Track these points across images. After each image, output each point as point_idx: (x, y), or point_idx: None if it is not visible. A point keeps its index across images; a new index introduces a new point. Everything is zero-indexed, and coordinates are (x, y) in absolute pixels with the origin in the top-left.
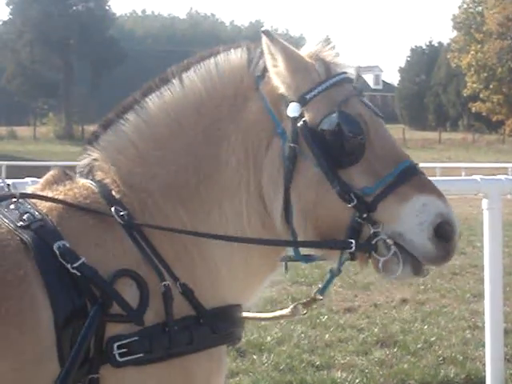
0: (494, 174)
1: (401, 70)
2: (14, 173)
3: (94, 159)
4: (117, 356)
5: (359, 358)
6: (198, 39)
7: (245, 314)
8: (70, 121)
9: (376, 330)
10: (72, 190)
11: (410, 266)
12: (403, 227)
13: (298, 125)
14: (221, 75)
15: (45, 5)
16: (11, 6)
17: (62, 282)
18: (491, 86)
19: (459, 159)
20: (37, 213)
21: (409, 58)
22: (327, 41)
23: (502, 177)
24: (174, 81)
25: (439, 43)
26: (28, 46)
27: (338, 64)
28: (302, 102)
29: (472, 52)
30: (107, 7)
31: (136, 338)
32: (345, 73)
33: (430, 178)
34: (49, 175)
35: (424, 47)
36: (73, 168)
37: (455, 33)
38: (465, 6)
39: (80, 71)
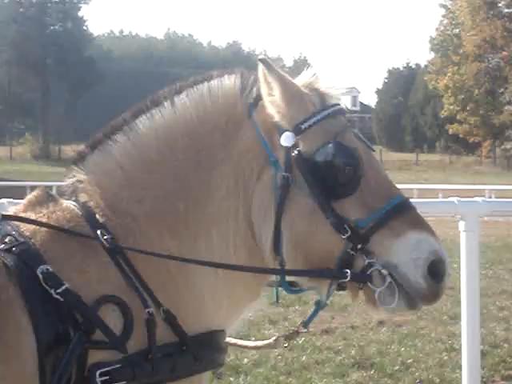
0: (471, 196)
1: (378, 92)
2: None
3: (79, 180)
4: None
5: (336, 381)
6: (175, 60)
7: (228, 339)
8: (46, 141)
9: (353, 351)
10: (55, 213)
11: (404, 299)
12: (398, 260)
13: (293, 154)
14: (213, 101)
15: (22, 25)
16: None
17: (45, 308)
18: (468, 108)
19: (436, 181)
20: (19, 236)
21: (386, 80)
22: (317, 73)
23: (479, 199)
24: (165, 103)
25: (416, 65)
26: (5, 65)
27: (332, 95)
28: (297, 131)
29: (449, 74)
30: (85, 27)
31: (119, 366)
32: (338, 104)
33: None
34: (32, 196)
35: (401, 69)
36: (50, 188)
37: (432, 54)
38: (442, 27)
39: (57, 91)
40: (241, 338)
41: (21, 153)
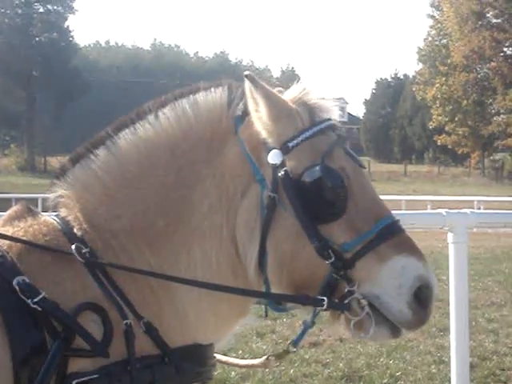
0: (459, 207)
1: (366, 103)
2: None
3: (60, 195)
4: None
5: None
6: (162, 70)
7: (218, 357)
8: (32, 152)
9: (341, 364)
10: (32, 227)
11: (386, 326)
12: (380, 289)
13: (279, 174)
14: (198, 115)
15: (7, 35)
16: None
17: (21, 320)
18: (456, 119)
19: (425, 192)
20: None
21: (374, 91)
22: (310, 86)
23: (468, 210)
24: (149, 117)
25: (405, 75)
26: None
27: (323, 108)
28: (284, 149)
29: (437, 85)
30: (70, 38)
31: (96, 376)
32: (329, 119)
33: (396, 213)
34: (11, 211)
35: (389, 79)
36: (34, 201)
37: (420, 65)
38: (430, 38)
39: (43, 102)
40: (228, 351)
41: (6, 164)
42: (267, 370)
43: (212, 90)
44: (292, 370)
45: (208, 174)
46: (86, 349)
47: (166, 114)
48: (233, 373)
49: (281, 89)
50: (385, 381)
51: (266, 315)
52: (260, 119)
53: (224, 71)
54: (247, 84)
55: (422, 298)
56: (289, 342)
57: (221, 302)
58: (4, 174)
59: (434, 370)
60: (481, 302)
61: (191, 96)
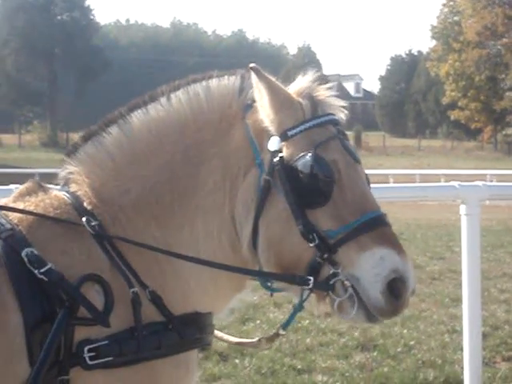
0: (472, 181)
1: (381, 79)
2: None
3: (70, 171)
4: (87, 359)
5: (340, 362)
6: (180, 48)
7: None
8: (54, 128)
9: (356, 334)
10: (43, 201)
11: (363, 311)
12: (361, 274)
13: (275, 159)
14: (209, 99)
15: (30, 14)
16: None
17: (31, 288)
18: (469, 94)
19: (438, 166)
20: (6, 223)
21: (389, 67)
22: (323, 78)
23: (480, 183)
24: (161, 99)
25: (418, 52)
26: (13, 54)
27: (328, 104)
28: (283, 137)
29: (450, 61)
30: (91, 16)
31: (106, 342)
32: (332, 114)
33: (410, 185)
34: (23, 187)
35: (404, 56)
36: (56, 175)
37: (434, 42)
38: (442, 16)
39: (65, 79)
40: (246, 321)
41: (29, 140)
42: (284, 338)
43: (225, 77)
44: (308, 339)
45: (214, 153)
46: (88, 318)
47: (179, 97)
48: None
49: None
50: (399, 349)
51: (272, 295)
52: (263, 107)
53: (241, 49)
54: (252, 75)
55: (395, 290)
56: (278, 325)
57: (220, 275)
58: (27, 150)
59: (446, 339)
60: (493, 272)
61: (204, 82)
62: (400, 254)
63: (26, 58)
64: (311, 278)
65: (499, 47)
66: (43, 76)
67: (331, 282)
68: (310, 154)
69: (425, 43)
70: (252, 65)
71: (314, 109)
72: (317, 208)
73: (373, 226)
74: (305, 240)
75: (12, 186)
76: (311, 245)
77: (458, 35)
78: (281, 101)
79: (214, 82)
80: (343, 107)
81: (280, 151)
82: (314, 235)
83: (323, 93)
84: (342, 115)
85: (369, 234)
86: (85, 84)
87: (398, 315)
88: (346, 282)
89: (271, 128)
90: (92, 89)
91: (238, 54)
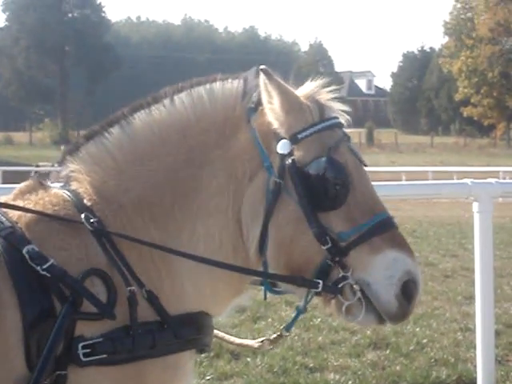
0: (485, 178)
1: (393, 75)
2: (10, 178)
3: (72, 170)
4: (81, 355)
5: (352, 360)
6: (192, 45)
7: (216, 332)
8: (65, 126)
9: (368, 332)
10: (43, 199)
11: (373, 313)
12: (371, 278)
13: (287, 162)
14: (212, 101)
15: (41, 12)
16: (7, 13)
17: (31, 285)
18: (482, 91)
19: (451, 163)
20: (6, 220)
21: (401, 63)
22: (325, 84)
23: (493, 180)
24: (165, 101)
25: (431, 48)
26: (24, 52)
27: (332, 108)
28: (294, 140)
29: (463, 57)
30: (102, 14)
31: (100, 340)
32: (337, 117)
33: (422, 183)
34: (23, 185)
35: (416, 52)
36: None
37: (446, 38)
38: (455, 12)
39: (76, 77)
40: (257, 319)
41: (40, 138)
42: (296, 336)
43: (229, 80)
44: (320, 338)
45: (218, 156)
46: (93, 312)
47: (182, 99)
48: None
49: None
50: (411, 348)
51: (265, 298)
52: (272, 110)
53: (253, 46)
54: (262, 77)
55: (408, 292)
56: (282, 326)
57: (219, 280)
58: (39, 148)
59: (459, 337)
60: (506, 270)
61: (208, 84)
62: (411, 256)
63: (36, 55)
64: (320, 282)
65: None
66: (54, 74)
67: (340, 286)
68: (324, 158)
69: (437, 39)
70: (262, 67)
71: (321, 112)
72: (329, 210)
73: (384, 228)
74: (317, 243)
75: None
76: (324, 247)
77: (471, 31)
78: (291, 103)
79: (217, 85)
80: (344, 111)
81: (291, 154)
82: (327, 238)
83: (326, 96)
84: (343, 120)
85: (380, 236)
86: (96, 81)
87: (405, 320)
88: (354, 286)
89: (280, 131)
90: (103, 86)
91: (250, 51)
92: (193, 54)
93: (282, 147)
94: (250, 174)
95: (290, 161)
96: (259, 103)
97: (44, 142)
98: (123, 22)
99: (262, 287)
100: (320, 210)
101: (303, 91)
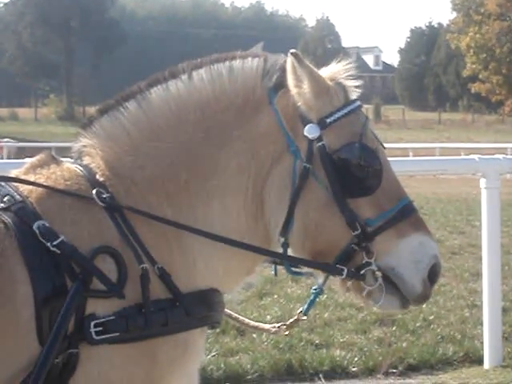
0: (493, 154)
1: (401, 51)
2: (16, 154)
3: (84, 144)
4: (93, 334)
5: (358, 337)
6: (198, 21)
7: (232, 314)
8: (71, 102)
9: (375, 308)
10: (55, 174)
11: (397, 298)
12: (397, 262)
13: (316, 146)
14: (233, 81)
15: None
16: None
17: (41, 260)
18: (490, 67)
19: (459, 139)
20: (17, 195)
21: (409, 39)
22: (344, 60)
23: (500, 156)
24: (182, 76)
25: (439, 24)
26: (29, 27)
27: (352, 89)
28: (322, 124)
29: (471, 33)
30: None
31: (113, 318)
32: (358, 100)
33: (429, 159)
34: (35, 159)
35: (424, 28)
36: (70, 149)
37: (454, 14)
38: None
39: (81, 53)
40: (264, 296)
41: (45, 114)
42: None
43: (249, 59)
44: (326, 314)
45: (238, 136)
46: (102, 290)
47: (201, 75)
48: (268, 316)
49: None
50: (418, 324)
51: (276, 274)
52: (301, 95)
53: (259, 21)
54: (291, 60)
55: (433, 276)
56: (299, 311)
57: (232, 258)
58: (44, 123)
59: (466, 314)
60: None
61: (227, 62)
62: (433, 239)
63: (41, 31)
64: (345, 268)
65: None
66: (59, 49)
67: (363, 272)
68: (357, 144)
69: (445, 15)
70: (292, 50)
71: (346, 95)
72: (359, 197)
73: (408, 213)
74: (347, 228)
75: (27, 160)
76: (354, 233)
77: (479, 7)
78: (320, 87)
79: (237, 64)
80: (358, 86)
81: (320, 139)
82: (357, 224)
83: (346, 76)
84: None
85: (405, 221)
86: (101, 57)
87: (425, 303)
88: (377, 272)
89: (309, 114)
90: (108, 62)
91: (256, 27)
92: (199, 30)
93: (311, 131)
94: (273, 157)
95: (319, 145)
96: (280, 85)
97: (49, 118)
98: None
99: (272, 265)
100: (350, 196)
101: (328, 73)
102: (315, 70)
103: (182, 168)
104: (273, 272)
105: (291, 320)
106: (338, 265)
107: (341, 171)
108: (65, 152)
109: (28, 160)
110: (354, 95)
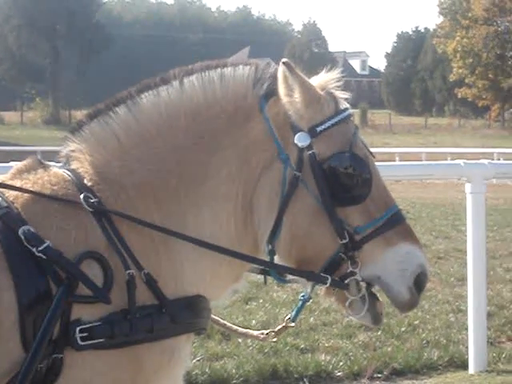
0: (479, 159)
1: (387, 56)
2: (1, 158)
3: (72, 149)
4: (78, 339)
5: (343, 341)
6: (185, 24)
7: (219, 320)
8: (57, 106)
9: (351, 317)
10: (42, 179)
11: (370, 314)
12: (383, 271)
13: (305, 155)
14: (224, 88)
15: None
16: None
17: (26, 266)
18: (477, 72)
19: (445, 144)
20: (2, 200)
21: (395, 44)
22: (334, 69)
23: (486, 161)
24: (174, 83)
25: (425, 29)
26: (15, 30)
27: (341, 98)
28: (313, 133)
29: (458, 38)
30: None
31: (98, 323)
32: (348, 109)
33: (415, 163)
34: (21, 164)
35: (410, 33)
36: (57, 153)
37: (441, 18)
38: None
39: (67, 56)
40: (249, 300)
41: (31, 118)
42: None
43: (240, 66)
44: (312, 319)
45: (230, 144)
46: (88, 295)
47: (192, 82)
48: (253, 321)
49: None
50: (403, 329)
51: (265, 282)
52: (292, 103)
53: (246, 25)
54: (282, 69)
55: (419, 284)
56: (287, 317)
57: (220, 265)
58: (29, 127)
59: (451, 319)
60: (499, 251)
61: (219, 69)
62: (421, 248)
63: (27, 34)
64: (329, 277)
65: (507, 24)
66: (45, 53)
67: (347, 281)
68: (347, 154)
69: (432, 20)
70: (284, 60)
71: (336, 104)
72: (349, 205)
73: (396, 221)
74: (333, 236)
75: (12, 164)
76: (341, 242)
77: (466, 12)
78: (311, 96)
79: (228, 71)
80: (346, 99)
81: (310, 147)
82: (345, 232)
83: (335, 86)
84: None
85: (393, 230)
86: (87, 61)
87: (413, 310)
88: (361, 283)
89: (300, 123)
90: (95, 66)
91: (243, 31)
92: (185, 34)
93: (301, 139)
94: (263, 165)
95: (309, 154)
96: (271, 93)
97: (35, 122)
98: (115, 1)
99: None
100: (339, 205)
101: (318, 82)
102: (306, 79)
103: (172, 174)
104: (258, 276)
105: (279, 327)
106: (324, 273)
107: (330, 180)
108: (51, 156)
109: (14, 164)
110: (344, 104)
